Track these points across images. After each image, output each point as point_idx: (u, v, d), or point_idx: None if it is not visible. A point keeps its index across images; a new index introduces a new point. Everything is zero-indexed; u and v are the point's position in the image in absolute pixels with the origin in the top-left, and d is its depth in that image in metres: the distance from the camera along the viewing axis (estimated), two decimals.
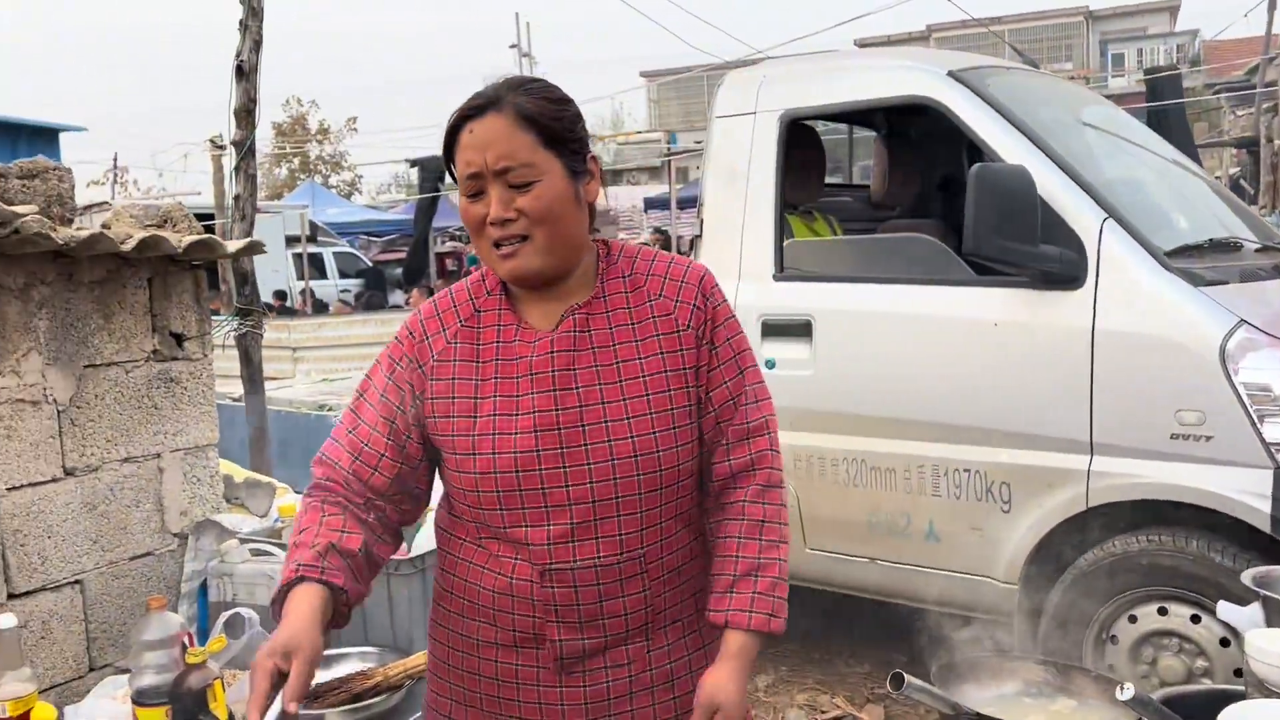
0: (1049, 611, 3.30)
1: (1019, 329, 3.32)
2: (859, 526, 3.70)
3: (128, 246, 2.72)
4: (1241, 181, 17.98)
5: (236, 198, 4.18)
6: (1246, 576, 2.10)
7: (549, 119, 1.56)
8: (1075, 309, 3.22)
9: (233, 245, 3.06)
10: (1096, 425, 3.17)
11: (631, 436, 1.57)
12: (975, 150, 3.80)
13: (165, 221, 3.01)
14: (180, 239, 2.89)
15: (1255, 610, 2.06)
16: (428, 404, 1.64)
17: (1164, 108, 9.69)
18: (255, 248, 3.22)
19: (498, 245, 1.56)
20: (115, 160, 27.20)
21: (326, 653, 2.56)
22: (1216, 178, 14.89)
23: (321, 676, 2.49)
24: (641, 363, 1.60)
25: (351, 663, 2.57)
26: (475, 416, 1.60)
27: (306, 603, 1.54)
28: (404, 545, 2.72)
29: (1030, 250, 3.19)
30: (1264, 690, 1.80)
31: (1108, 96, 7.06)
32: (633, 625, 1.61)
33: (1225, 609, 2.16)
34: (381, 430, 1.64)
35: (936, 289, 3.54)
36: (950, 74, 3.65)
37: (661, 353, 1.61)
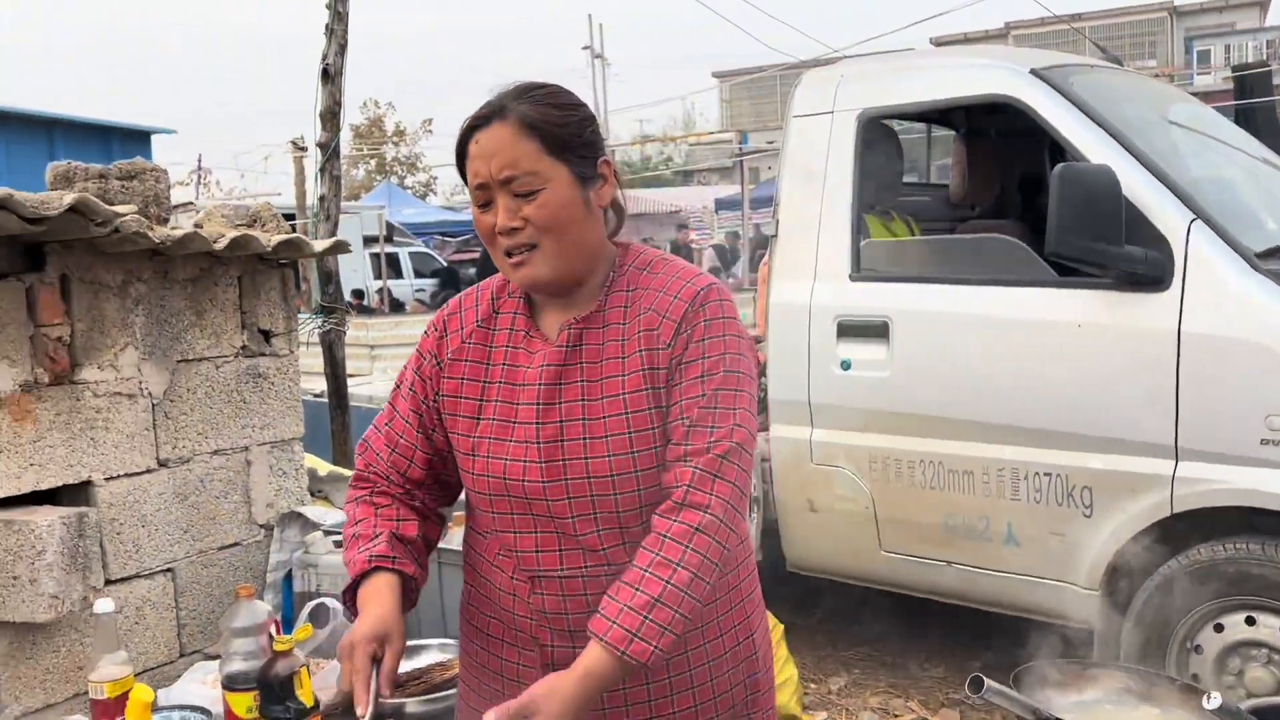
0: (1131, 618, 3.24)
1: (1102, 331, 3.26)
2: (935, 529, 3.66)
3: (220, 245, 2.80)
4: None
5: (321, 198, 4.28)
6: None
7: (553, 125, 1.54)
8: (1161, 311, 3.15)
9: (319, 245, 3.14)
10: (1182, 430, 3.11)
11: (609, 456, 1.53)
12: (1057, 149, 3.74)
13: (255, 221, 3.10)
14: (269, 238, 2.97)
15: None
16: (441, 400, 1.66)
17: (1253, 105, 9.40)
18: (341, 247, 3.30)
19: (509, 254, 1.55)
20: (200, 161, 27.90)
21: (409, 643, 2.63)
22: None
23: (402, 667, 2.55)
24: (624, 380, 1.55)
25: (432, 654, 2.62)
26: (478, 419, 1.62)
27: (388, 591, 1.57)
28: None
29: (1115, 251, 3.13)
30: None
31: (1193, 94, 6.88)
32: None
33: None
34: (412, 423, 1.68)
35: (1017, 290, 3.48)
36: (1033, 72, 3.60)
37: (643, 369, 1.55)
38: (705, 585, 1.50)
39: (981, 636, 4.09)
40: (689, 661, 1.61)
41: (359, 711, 1.50)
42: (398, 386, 1.73)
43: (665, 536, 1.49)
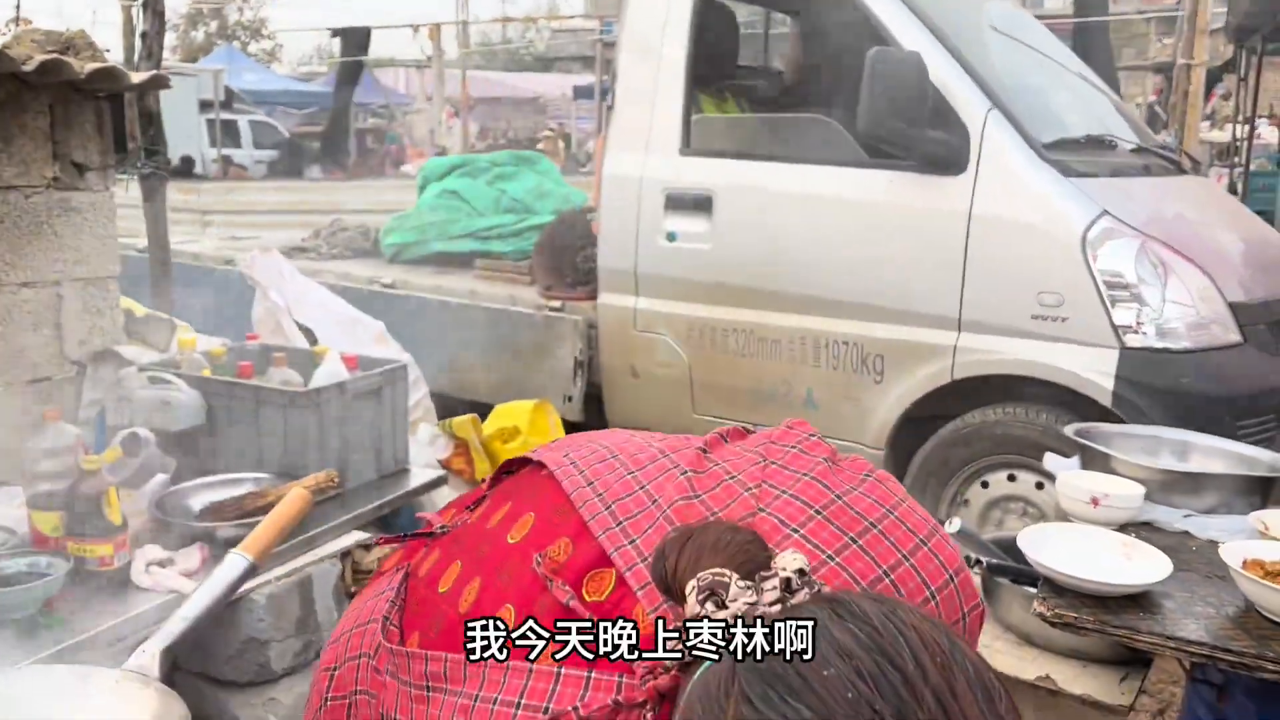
0: (910, 476, 3.55)
1: (902, 211, 3.49)
2: (744, 394, 3.89)
3: (29, 68, 2.71)
4: (1157, 108, 18.34)
5: (144, 35, 4.11)
6: (1069, 430, 2.32)
7: None
8: (956, 194, 3.39)
9: (136, 76, 3.06)
10: (966, 304, 3.37)
11: None
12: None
13: (68, 48, 2.99)
14: (83, 66, 2.88)
15: (1075, 461, 2.29)
16: None
17: (1088, 25, 9.88)
18: (160, 81, 3.22)
19: None
20: (18, 8, 25.82)
21: (226, 476, 2.69)
22: (1137, 105, 15.21)
23: (218, 495, 2.61)
24: None
25: (246, 486, 2.69)
26: None
27: None
28: (301, 380, 2.83)
29: (919, 135, 3.34)
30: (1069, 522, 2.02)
31: (1040, 16, 7.19)
32: None
33: (1050, 460, 2.38)
34: None
35: (830, 169, 3.68)
36: None
37: None
38: None
39: None
40: None
41: None
42: None
43: None
